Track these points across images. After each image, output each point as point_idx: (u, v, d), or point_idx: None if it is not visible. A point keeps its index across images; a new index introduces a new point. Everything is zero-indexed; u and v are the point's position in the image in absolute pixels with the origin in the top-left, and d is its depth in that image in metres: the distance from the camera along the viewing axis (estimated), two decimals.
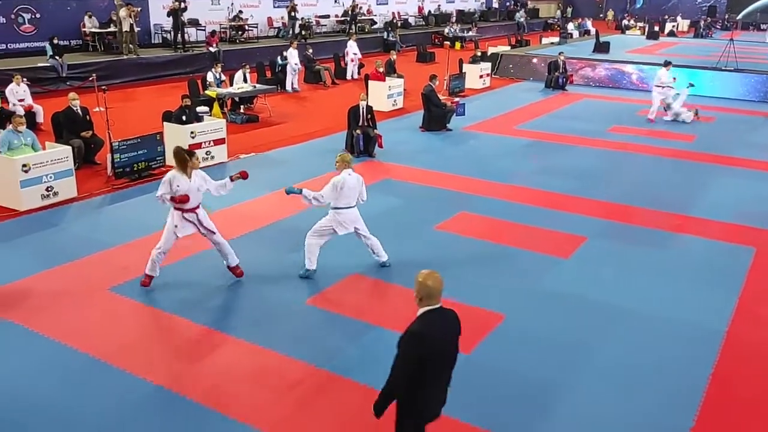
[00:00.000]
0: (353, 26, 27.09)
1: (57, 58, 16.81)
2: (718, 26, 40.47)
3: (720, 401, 5.20)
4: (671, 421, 4.95)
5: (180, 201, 6.48)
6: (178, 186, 6.44)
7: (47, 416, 4.81)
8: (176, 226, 6.59)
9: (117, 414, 4.87)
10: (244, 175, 6.77)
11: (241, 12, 23.57)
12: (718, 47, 23.32)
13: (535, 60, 21.75)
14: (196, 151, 6.81)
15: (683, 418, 4.98)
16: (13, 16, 17.96)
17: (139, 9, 18.81)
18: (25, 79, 13.32)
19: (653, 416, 5.01)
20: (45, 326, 5.98)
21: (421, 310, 3.64)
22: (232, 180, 6.77)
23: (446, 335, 3.69)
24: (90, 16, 19.23)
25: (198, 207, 6.65)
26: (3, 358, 5.51)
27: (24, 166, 8.68)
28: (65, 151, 9.31)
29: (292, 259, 7.24)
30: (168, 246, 6.65)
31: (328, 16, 27.92)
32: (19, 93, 12.88)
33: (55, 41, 17.00)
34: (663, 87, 15.27)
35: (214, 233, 6.78)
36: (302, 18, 24.97)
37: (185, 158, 6.47)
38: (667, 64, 15.67)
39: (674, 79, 15.48)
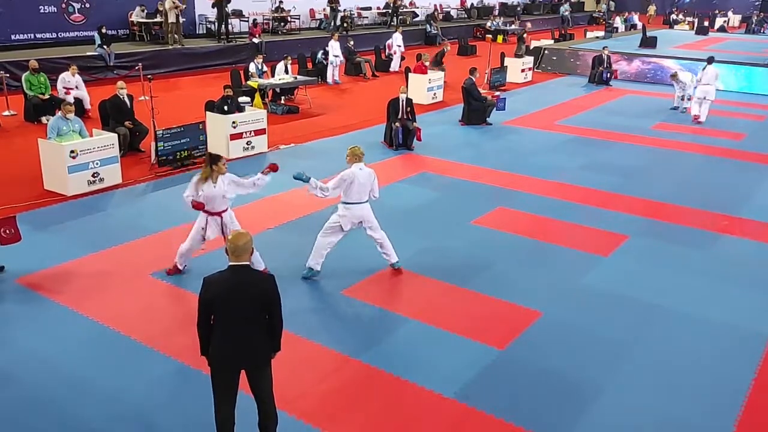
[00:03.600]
0: (395, 18, 27.02)
1: (105, 47, 17.19)
2: None
3: (763, 406, 5.06)
4: (711, 424, 4.84)
5: (196, 207, 6.43)
6: (202, 191, 6.40)
7: (88, 396, 4.95)
8: (203, 228, 6.57)
9: (155, 395, 4.99)
10: (274, 168, 6.64)
11: (281, 2, 23.72)
12: None
13: (578, 54, 21.37)
14: (222, 155, 6.62)
15: (724, 422, 4.86)
16: (63, 6, 18.41)
17: (184, 6, 19.09)
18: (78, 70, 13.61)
19: (693, 418, 4.90)
20: (89, 308, 6.15)
21: (228, 264, 4.07)
22: (264, 174, 6.59)
23: (235, 289, 4.01)
24: (143, 9, 19.62)
25: (225, 211, 6.59)
26: (48, 338, 5.69)
27: (72, 152, 8.91)
28: (111, 138, 9.53)
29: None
30: (195, 246, 6.68)
31: (369, 8, 27.92)
32: (71, 83, 13.20)
33: (104, 31, 17.38)
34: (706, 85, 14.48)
35: None
36: (344, 10, 25.03)
37: (208, 163, 6.39)
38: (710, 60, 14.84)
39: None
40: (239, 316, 4.05)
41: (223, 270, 4.09)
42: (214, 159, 6.46)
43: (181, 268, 6.84)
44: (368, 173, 6.69)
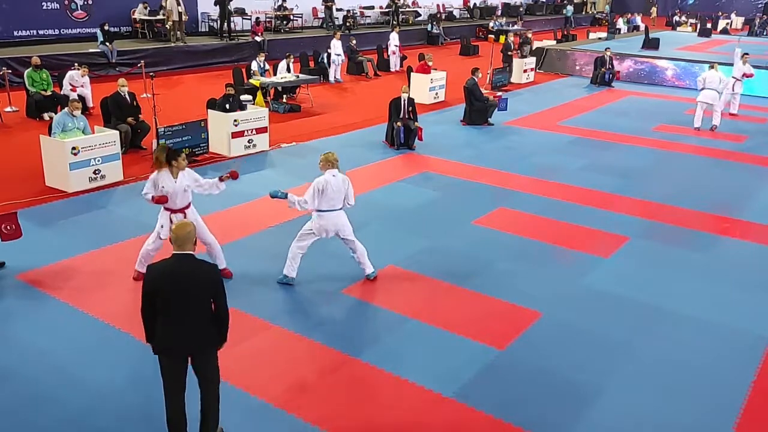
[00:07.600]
0: (396, 18, 27.01)
1: (107, 44, 17.19)
2: None
3: (762, 409, 5.06)
4: (710, 427, 4.84)
5: (158, 202, 6.31)
6: (162, 186, 6.27)
7: (88, 392, 4.96)
8: (162, 227, 6.44)
9: (155, 392, 4.97)
10: (234, 176, 6.49)
11: (284, 1, 23.71)
12: None
13: (580, 55, 21.35)
14: (181, 150, 6.42)
15: (723, 424, 4.86)
16: (66, 2, 18.42)
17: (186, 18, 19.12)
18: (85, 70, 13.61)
19: (692, 420, 4.90)
20: (89, 305, 6.16)
21: (172, 253, 4.15)
22: (221, 180, 6.48)
23: (177, 276, 4.06)
24: (145, 6, 19.64)
25: (187, 207, 6.46)
26: (48, 335, 5.71)
27: (73, 149, 8.91)
28: (113, 135, 9.54)
29: (330, 249, 7.28)
30: (156, 246, 6.55)
31: (372, 8, 27.92)
32: (78, 81, 13.21)
33: (106, 28, 17.37)
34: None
35: (204, 238, 6.58)
36: (348, 10, 25.02)
37: (164, 158, 6.24)
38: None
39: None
40: (182, 304, 4.07)
41: (167, 258, 4.14)
42: (173, 155, 6.30)
43: (142, 272, 6.72)
44: (342, 179, 6.44)
